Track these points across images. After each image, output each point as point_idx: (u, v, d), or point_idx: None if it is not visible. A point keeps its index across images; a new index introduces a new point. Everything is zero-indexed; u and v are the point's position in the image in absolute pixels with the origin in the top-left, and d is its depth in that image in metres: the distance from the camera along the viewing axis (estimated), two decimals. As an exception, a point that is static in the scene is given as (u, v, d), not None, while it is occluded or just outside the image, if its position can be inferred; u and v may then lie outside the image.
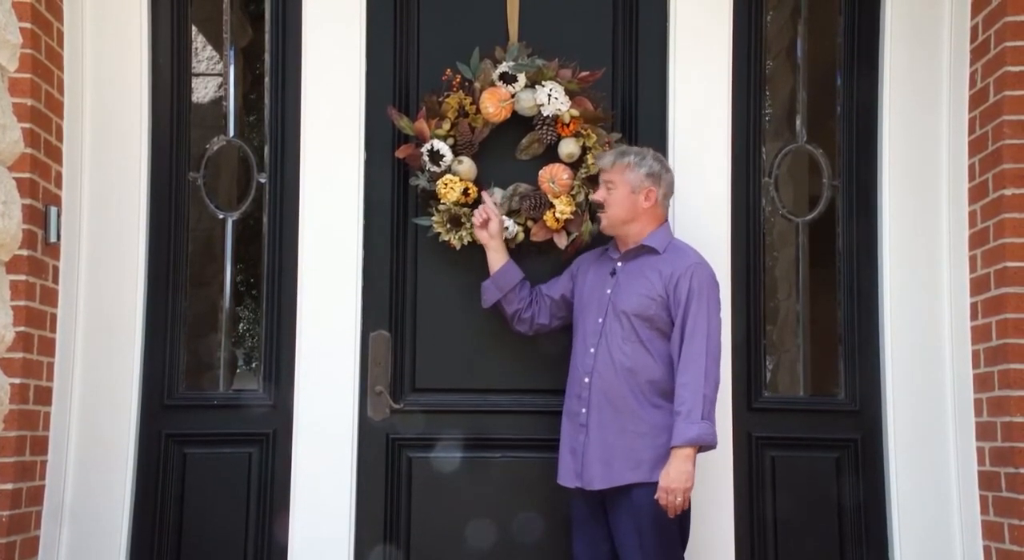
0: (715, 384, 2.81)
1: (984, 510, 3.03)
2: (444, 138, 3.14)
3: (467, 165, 3.15)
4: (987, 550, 3.01)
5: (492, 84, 3.16)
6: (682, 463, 2.73)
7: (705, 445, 2.78)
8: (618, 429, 2.85)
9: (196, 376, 3.42)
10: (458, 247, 3.15)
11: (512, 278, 3.08)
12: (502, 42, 3.22)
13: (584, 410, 2.90)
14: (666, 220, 3.02)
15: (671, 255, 2.93)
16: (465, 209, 3.14)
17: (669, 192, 3.01)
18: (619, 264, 2.99)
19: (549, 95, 3.12)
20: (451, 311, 3.26)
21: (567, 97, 3.14)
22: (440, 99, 3.16)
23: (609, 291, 2.96)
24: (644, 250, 2.96)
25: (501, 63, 3.17)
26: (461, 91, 3.17)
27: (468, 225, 3.13)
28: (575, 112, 3.14)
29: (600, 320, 2.93)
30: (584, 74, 3.16)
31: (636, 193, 2.95)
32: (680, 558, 2.86)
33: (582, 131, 3.16)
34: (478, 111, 3.16)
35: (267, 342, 3.27)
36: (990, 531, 3.00)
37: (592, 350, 2.91)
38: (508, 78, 3.16)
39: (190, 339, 3.37)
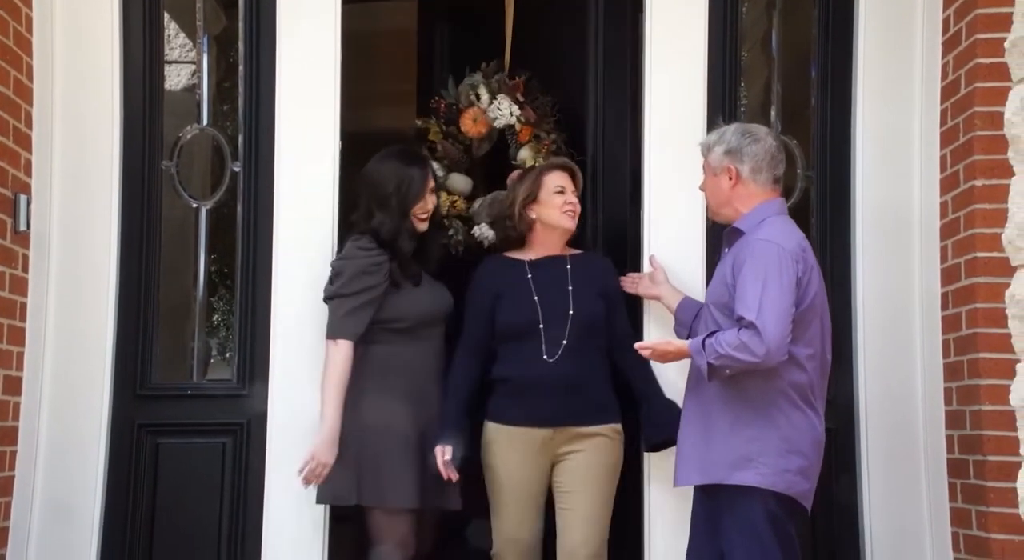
0: (748, 355, 2.53)
1: (953, 497, 3.06)
2: (440, 159, 3.47)
3: (455, 180, 3.52)
4: (955, 536, 3.04)
5: (471, 104, 3.49)
6: (675, 350, 2.68)
7: (693, 356, 2.65)
8: (707, 427, 2.66)
9: (169, 366, 3.41)
10: (454, 253, 3.43)
11: (688, 311, 2.97)
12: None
13: (689, 409, 2.77)
14: (773, 197, 2.76)
15: (751, 235, 2.69)
16: (456, 219, 3.46)
17: (761, 165, 2.74)
18: (725, 250, 2.79)
19: (498, 108, 3.42)
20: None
21: (515, 106, 3.41)
22: (421, 126, 3.51)
23: (712, 282, 2.83)
24: (736, 233, 2.75)
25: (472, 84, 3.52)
26: (442, 115, 3.50)
27: (452, 233, 3.44)
28: (523, 120, 3.42)
29: (705, 314, 2.78)
30: (513, 82, 3.47)
31: (718, 175, 2.77)
32: None
33: (530, 137, 3.43)
34: (459, 131, 3.49)
35: (241, 332, 3.26)
36: (958, 518, 3.03)
37: None
38: (478, 96, 3.48)
39: (163, 329, 3.35)
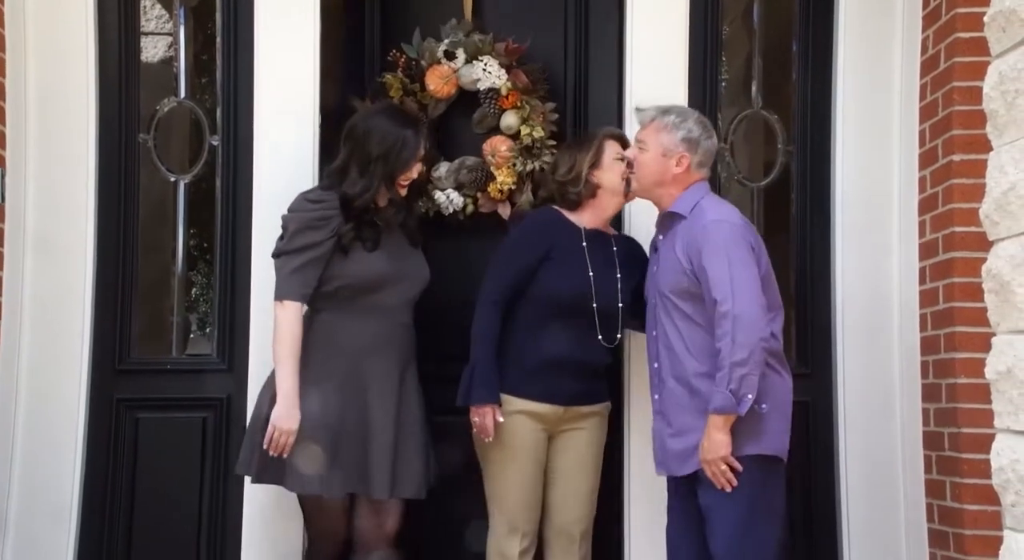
0: (745, 347, 2.58)
1: (928, 469, 3.10)
2: None
3: None
4: (929, 508, 3.08)
5: (437, 62, 3.24)
6: (712, 432, 2.61)
7: (731, 413, 2.59)
8: (694, 412, 2.68)
9: (149, 341, 3.39)
10: None
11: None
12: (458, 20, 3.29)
13: (657, 396, 2.80)
14: (701, 180, 2.83)
15: (693, 217, 2.74)
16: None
17: (707, 160, 2.83)
18: (660, 237, 2.84)
19: (484, 69, 3.20)
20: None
21: (503, 70, 3.21)
22: (381, 80, 3.24)
23: (655, 268, 2.83)
24: (674, 218, 2.79)
25: (443, 41, 3.25)
26: (401, 71, 3.24)
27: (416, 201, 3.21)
28: (509, 85, 3.22)
29: (653, 302, 2.81)
30: (513, 46, 3.23)
31: (668, 157, 2.79)
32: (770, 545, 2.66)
33: (519, 103, 3.22)
34: (423, 89, 3.23)
35: (221, 306, 3.25)
36: (933, 489, 3.07)
37: (654, 334, 2.81)
38: (449, 55, 3.24)
39: (143, 303, 3.33)
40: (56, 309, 3.18)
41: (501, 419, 2.83)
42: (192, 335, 3.50)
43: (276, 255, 2.81)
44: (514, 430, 2.86)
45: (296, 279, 2.75)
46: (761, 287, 2.67)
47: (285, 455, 2.73)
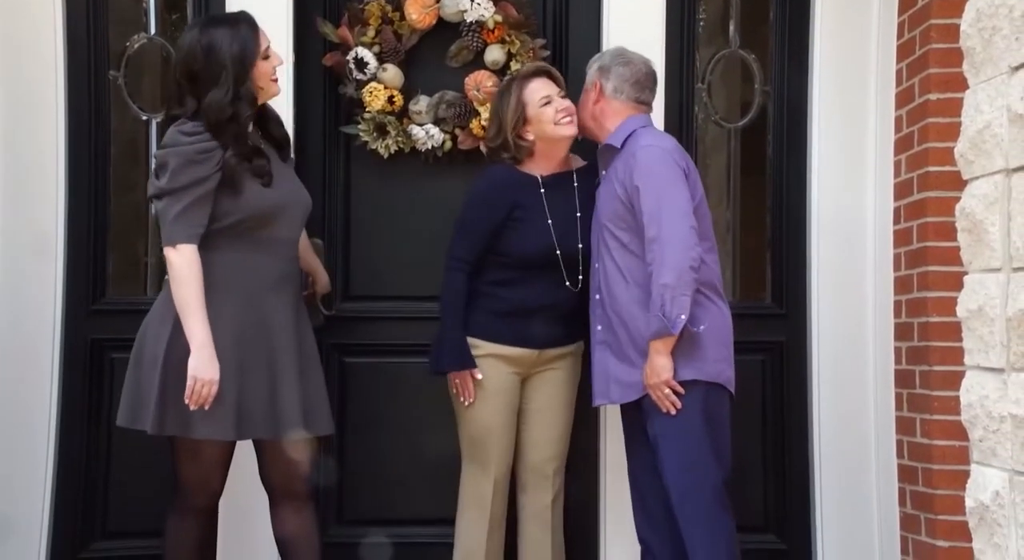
0: (673, 269, 2.64)
1: (899, 406, 3.15)
2: (369, 46, 3.16)
3: (392, 73, 3.17)
4: (900, 444, 3.14)
5: None
6: (653, 356, 2.68)
7: (665, 335, 2.65)
8: (630, 340, 2.76)
9: (124, 281, 3.37)
10: (385, 156, 3.16)
11: None
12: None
13: (599, 327, 2.84)
14: (638, 113, 2.85)
15: (627, 147, 2.79)
16: (391, 117, 3.17)
17: (621, 85, 2.84)
18: (603, 172, 2.88)
19: (472, 0, 3.10)
20: (382, 218, 3.28)
21: (490, 3, 3.14)
22: (362, 6, 3.16)
23: (599, 203, 2.89)
24: (611, 151, 2.83)
25: None
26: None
27: (394, 133, 3.15)
28: (498, 18, 3.15)
29: (596, 235, 2.86)
30: None
31: (588, 91, 2.89)
32: (711, 477, 2.70)
33: (507, 38, 3.16)
34: (403, 18, 3.16)
35: (195, 247, 3.22)
36: (903, 426, 3.12)
37: (597, 266, 2.85)
38: None
39: (116, 244, 3.30)
40: (28, 250, 3.14)
41: (480, 376, 2.86)
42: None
43: (158, 196, 2.57)
44: (487, 373, 2.88)
45: (186, 220, 2.53)
46: (691, 209, 2.70)
47: (207, 407, 2.52)
